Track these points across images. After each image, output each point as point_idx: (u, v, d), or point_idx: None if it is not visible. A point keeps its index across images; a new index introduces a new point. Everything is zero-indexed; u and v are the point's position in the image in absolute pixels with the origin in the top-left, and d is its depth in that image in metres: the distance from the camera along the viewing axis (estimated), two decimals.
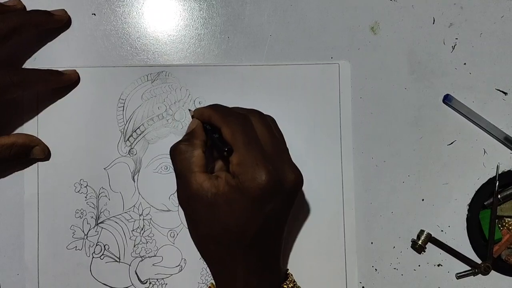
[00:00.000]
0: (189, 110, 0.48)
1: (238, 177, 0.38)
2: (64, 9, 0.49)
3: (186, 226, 0.48)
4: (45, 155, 0.48)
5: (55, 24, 0.48)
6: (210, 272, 0.48)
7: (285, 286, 0.43)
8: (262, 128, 0.41)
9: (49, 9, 0.48)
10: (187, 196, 0.41)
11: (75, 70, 0.48)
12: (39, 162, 0.48)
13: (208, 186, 0.39)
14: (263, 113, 0.43)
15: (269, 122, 0.42)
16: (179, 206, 0.48)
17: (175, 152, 0.41)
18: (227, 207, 0.39)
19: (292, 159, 0.47)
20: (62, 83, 0.48)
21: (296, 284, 0.44)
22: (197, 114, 0.43)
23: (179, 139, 0.48)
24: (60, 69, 0.48)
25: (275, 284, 0.43)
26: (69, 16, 0.49)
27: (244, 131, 0.40)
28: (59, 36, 0.49)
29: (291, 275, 0.45)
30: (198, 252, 0.43)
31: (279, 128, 0.44)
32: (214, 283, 0.43)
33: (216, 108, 0.42)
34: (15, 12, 0.47)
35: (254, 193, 0.38)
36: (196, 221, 0.41)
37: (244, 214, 0.39)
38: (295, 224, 0.49)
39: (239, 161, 0.39)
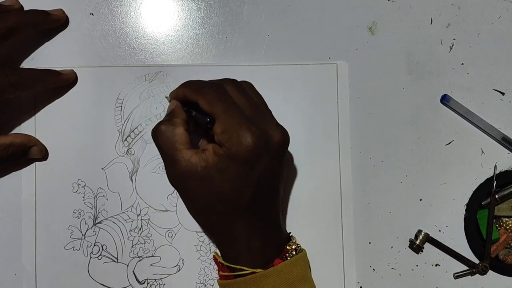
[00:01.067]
0: (166, 97, 0.48)
1: (225, 145, 0.39)
2: (61, 9, 0.48)
3: (185, 227, 0.48)
4: (43, 155, 0.48)
5: (53, 24, 0.48)
6: (208, 273, 0.48)
7: (288, 247, 0.43)
8: (237, 94, 0.41)
9: (46, 9, 0.47)
10: (177, 175, 0.41)
11: (72, 70, 0.48)
12: (36, 162, 0.48)
13: (196, 160, 0.40)
14: (236, 80, 0.43)
15: (243, 87, 0.43)
16: (177, 206, 0.48)
17: (157, 133, 0.42)
18: (220, 176, 0.39)
19: (291, 159, 0.47)
20: (60, 83, 0.48)
21: (299, 246, 0.44)
22: (173, 96, 0.44)
23: None
24: (57, 69, 0.48)
25: (278, 244, 0.43)
26: (66, 16, 0.49)
27: (220, 99, 0.40)
28: (56, 36, 0.49)
29: (294, 237, 0.45)
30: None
31: (257, 92, 0.44)
32: (218, 253, 0.44)
33: (188, 84, 0.43)
34: (13, 12, 0.47)
35: (243, 156, 0.39)
36: (191, 197, 0.41)
37: (237, 179, 0.39)
38: (294, 224, 0.49)
39: (222, 129, 0.39)
